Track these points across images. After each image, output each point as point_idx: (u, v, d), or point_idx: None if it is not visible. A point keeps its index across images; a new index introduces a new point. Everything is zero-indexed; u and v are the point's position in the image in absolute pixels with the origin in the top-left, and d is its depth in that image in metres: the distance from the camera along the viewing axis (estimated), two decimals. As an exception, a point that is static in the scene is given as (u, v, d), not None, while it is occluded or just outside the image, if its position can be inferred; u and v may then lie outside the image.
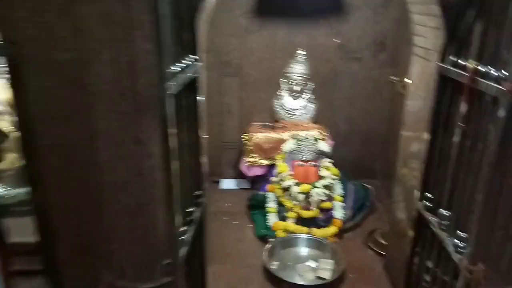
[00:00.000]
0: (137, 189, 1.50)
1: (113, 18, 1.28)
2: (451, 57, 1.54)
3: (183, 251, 1.43)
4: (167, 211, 1.32)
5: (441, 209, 1.60)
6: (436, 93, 1.64)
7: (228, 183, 3.52)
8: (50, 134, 1.32)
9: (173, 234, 1.34)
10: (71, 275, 1.59)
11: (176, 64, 1.31)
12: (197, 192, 1.73)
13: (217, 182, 3.55)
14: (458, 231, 1.46)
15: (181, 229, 1.44)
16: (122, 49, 1.31)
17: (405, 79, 2.21)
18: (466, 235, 1.43)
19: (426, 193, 1.75)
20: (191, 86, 1.59)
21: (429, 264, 1.72)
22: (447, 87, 1.58)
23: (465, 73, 1.40)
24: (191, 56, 1.50)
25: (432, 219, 1.68)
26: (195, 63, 1.55)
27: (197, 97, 1.67)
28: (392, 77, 2.28)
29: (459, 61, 1.47)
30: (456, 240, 1.46)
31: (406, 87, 2.16)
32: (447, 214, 1.57)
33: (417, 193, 1.85)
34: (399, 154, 2.25)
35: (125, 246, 1.59)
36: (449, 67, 1.55)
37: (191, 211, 1.59)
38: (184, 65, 1.37)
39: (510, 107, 1.15)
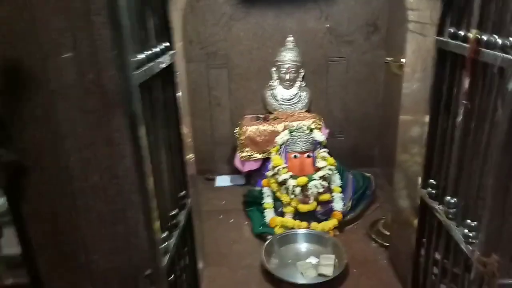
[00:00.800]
0: (113, 194, 1.38)
1: (71, 4, 1.14)
2: (450, 29, 1.40)
3: (166, 258, 1.30)
4: (145, 217, 1.19)
5: (447, 196, 1.47)
6: (435, 70, 1.51)
7: (222, 180, 3.38)
8: (15, 139, 1.20)
9: (153, 241, 1.21)
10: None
11: (145, 52, 1.17)
12: (181, 193, 1.59)
13: (212, 180, 3.42)
14: (467, 220, 1.34)
15: (163, 235, 1.31)
16: (83, 39, 1.17)
17: (401, 59, 2.07)
18: (476, 223, 1.30)
19: (430, 179, 1.62)
20: (167, 77, 1.45)
21: (437, 255, 1.59)
22: (447, 63, 1.44)
23: (466, 45, 1.26)
24: (163, 43, 1.35)
25: (438, 207, 1.55)
26: (169, 52, 1.41)
27: (175, 89, 1.53)
28: (387, 58, 2.15)
29: (459, 32, 1.33)
30: (465, 230, 1.33)
31: (402, 68, 2.02)
32: (454, 201, 1.44)
33: (419, 180, 1.72)
34: (398, 139, 2.12)
35: (105, 256, 1.47)
36: (448, 40, 1.41)
37: (175, 215, 1.45)
38: (155, 54, 1.23)
39: (520, 77, 1.01)
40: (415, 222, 1.80)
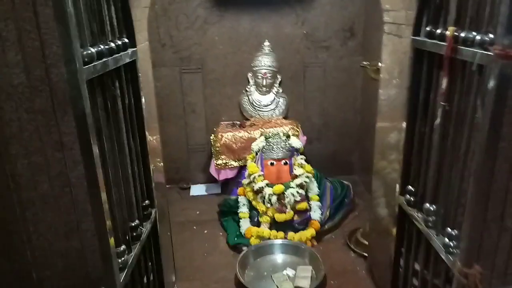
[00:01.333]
0: (65, 204, 1.25)
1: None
2: (426, 28, 1.34)
3: (123, 275, 1.17)
4: (97, 229, 1.07)
5: (426, 204, 1.40)
6: (411, 71, 1.44)
7: (197, 189, 3.26)
8: None
9: (106, 256, 1.08)
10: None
11: (98, 46, 1.06)
12: (144, 203, 1.47)
13: (187, 189, 3.29)
14: (447, 228, 1.26)
15: (120, 248, 1.19)
16: (28, 32, 1.06)
17: (378, 63, 2.01)
18: (456, 231, 1.23)
19: (408, 186, 1.55)
20: (128, 77, 1.34)
21: (417, 266, 1.52)
22: (423, 63, 1.38)
23: (443, 43, 1.20)
24: (122, 39, 1.25)
25: (416, 215, 1.47)
26: (130, 49, 1.30)
27: (138, 92, 1.42)
28: (363, 62, 2.10)
29: (436, 30, 1.27)
30: (445, 239, 1.25)
31: (379, 72, 1.97)
32: (433, 209, 1.37)
33: (397, 187, 1.65)
34: (376, 145, 2.05)
35: (59, 273, 1.33)
36: (424, 39, 1.35)
37: (136, 226, 1.33)
38: (110, 49, 1.12)
39: (500, 75, 0.95)
40: (394, 231, 1.73)
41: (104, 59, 1.07)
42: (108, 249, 1.07)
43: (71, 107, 0.97)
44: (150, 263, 1.51)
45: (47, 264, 1.31)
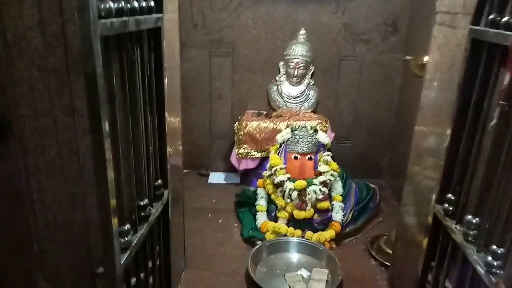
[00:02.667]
0: (72, 174, 1.17)
1: None
2: (489, 16, 1.17)
3: (125, 256, 1.08)
4: (101, 204, 0.97)
5: (467, 215, 1.24)
6: (466, 65, 1.27)
7: (216, 177, 3.16)
8: None
9: (107, 233, 0.99)
10: (10, 279, 1.29)
11: (121, 3, 0.96)
12: (157, 183, 1.38)
13: (206, 175, 3.20)
14: (491, 245, 1.10)
15: (124, 227, 1.09)
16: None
17: (423, 58, 1.84)
18: (503, 250, 1.07)
19: (447, 194, 1.38)
20: (150, 45, 1.23)
21: (448, 284, 1.36)
22: (482, 55, 1.21)
23: (510, 33, 1.03)
24: (148, 0, 1.14)
25: (454, 227, 1.31)
26: (155, 14, 1.20)
27: (160, 63, 1.32)
28: (407, 57, 1.92)
29: (501, 19, 1.10)
30: (488, 257, 1.09)
31: (424, 68, 1.79)
32: (476, 222, 1.20)
33: (433, 195, 1.49)
34: (412, 149, 1.89)
35: (60, 247, 1.26)
36: (486, 28, 1.18)
37: (145, 205, 1.24)
38: (132, 8, 1.02)
39: None
40: (424, 242, 1.57)
41: (124, 18, 0.97)
42: (109, 226, 0.98)
43: (82, 65, 0.87)
44: (157, 247, 1.42)
45: (49, 236, 1.24)
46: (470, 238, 1.21)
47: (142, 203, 1.23)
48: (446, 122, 1.50)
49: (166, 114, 1.40)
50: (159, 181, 1.38)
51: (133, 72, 1.11)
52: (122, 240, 1.09)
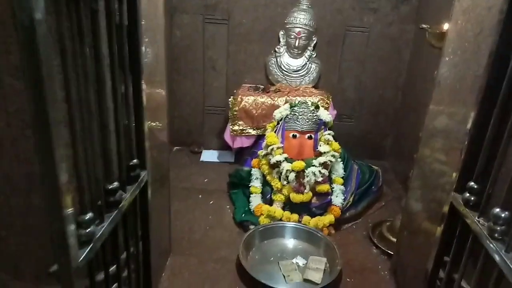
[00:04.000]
0: (26, 151, 0.97)
1: None
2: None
3: (87, 250, 0.89)
4: (48, 190, 0.78)
5: (495, 208, 1.05)
6: (502, 30, 1.06)
7: (209, 155, 2.98)
8: None
9: (59, 225, 0.80)
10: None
11: None
12: (132, 162, 1.18)
13: (198, 153, 3.01)
14: (525, 245, 0.92)
15: (85, 216, 0.90)
16: None
17: (443, 26, 1.62)
18: (538, 251, 0.89)
19: (469, 181, 1.20)
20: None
21: (465, 284, 1.19)
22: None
23: None
24: None
25: (477, 220, 1.13)
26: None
27: (137, 21, 1.10)
28: (422, 25, 1.70)
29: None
30: (521, 259, 0.91)
31: (443, 37, 1.57)
32: (505, 216, 1.02)
33: (442, 180, 1.32)
34: (425, 129, 1.69)
35: (17, 234, 1.08)
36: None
37: (115, 189, 1.04)
38: None
39: None
40: (434, 232, 1.40)
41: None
42: (59, 217, 0.79)
43: (18, 9, 0.66)
44: (134, 236, 1.24)
45: (3, 223, 1.05)
46: (496, 235, 1.03)
47: (110, 187, 1.03)
48: (470, 99, 1.31)
49: (143, 83, 1.19)
50: (135, 160, 1.19)
51: (95, 25, 0.89)
52: (83, 231, 0.90)
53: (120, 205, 1.08)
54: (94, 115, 0.91)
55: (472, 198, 1.18)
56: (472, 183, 1.19)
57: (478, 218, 1.13)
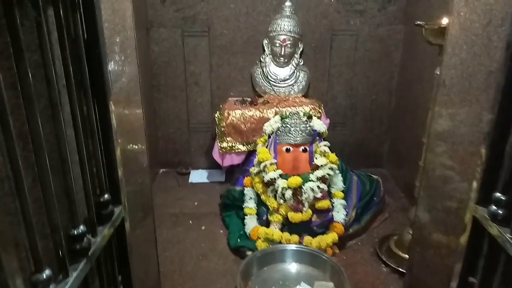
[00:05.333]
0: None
1: None
2: None
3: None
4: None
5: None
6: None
7: (198, 176, 2.80)
8: None
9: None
10: None
11: None
12: (103, 198, 1.00)
13: (186, 174, 2.83)
14: None
15: (43, 275, 0.72)
16: None
17: (442, 20, 1.49)
18: None
19: (495, 192, 1.04)
20: (76, 7, 0.85)
21: (500, 312, 1.03)
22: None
23: None
24: None
25: (509, 238, 0.97)
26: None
27: (97, 34, 0.93)
28: (417, 22, 1.58)
29: None
30: None
31: (443, 33, 1.44)
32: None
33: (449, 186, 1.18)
34: (432, 133, 1.55)
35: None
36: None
37: (80, 234, 0.86)
38: None
39: None
40: (450, 244, 1.26)
41: None
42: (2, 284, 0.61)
43: None
44: (110, 283, 1.05)
45: None
46: (536, 255, 0.88)
47: (75, 232, 0.85)
48: (483, 97, 1.17)
49: (111, 104, 1.02)
50: (106, 196, 1.01)
51: (41, 39, 0.73)
52: (40, 293, 0.72)
53: (90, 253, 0.90)
54: (44, 148, 0.74)
55: (500, 212, 1.02)
56: (499, 194, 1.03)
57: (509, 235, 0.98)
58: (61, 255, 0.80)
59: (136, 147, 1.44)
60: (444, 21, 1.48)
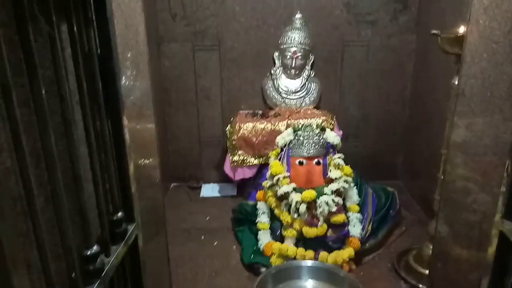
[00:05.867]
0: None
1: None
2: None
3: None
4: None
5: None
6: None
7: (209, 190, 2.77)
8: None
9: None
10: None
11: None
12: (117, 216, 0.98)
13: (197, 188, 2.80)
14: None
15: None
16: None
17: (459, 28, 1.46)
18: None
19: (524, 206, 1.00)
20: (89, 16, 0.84)
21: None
22: None
23: None
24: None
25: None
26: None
27: (111, 49, 0.92)
28: (433, 31, 1.55)
29: None
30: None
31: (460, 41, 1.41)
32: None
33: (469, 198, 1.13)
34: (452, 144, 1.51)
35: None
36: None
37: (94, 254, 0.84)
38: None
39: None
40: (472, 259, 1.20)
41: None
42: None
43: None
44: (124, 305, 1.02)
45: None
46: None
47: (88, 253, 0.83)
48: (507, 107, 1.13)
49: (124, 119, 1.00)
50: (119, 214, 0.98)
51: (55, 55, 0.71)
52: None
53: (103, 274, 0.87)
54: (58, 166, 0.72)
55: (531, 227, 0.98)
56: (528, 208, 0.99)
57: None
58: (74, 277, 0.77)
59: (149, 162, 1.42)
60: (461, 29, 1.45)
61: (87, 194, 0.82)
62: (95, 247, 0.84)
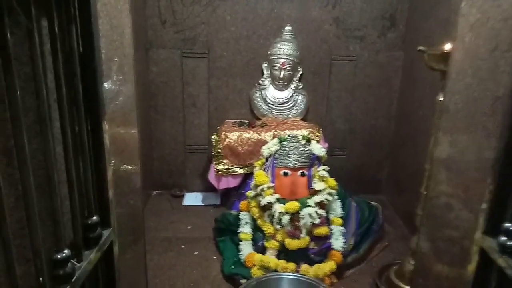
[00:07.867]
0: None
1: None
2: None
3: None
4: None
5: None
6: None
7: (192, 198, 2.73)
8: None
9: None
10: None
11: None
12: (92, 220, 0.94)
13: (180, 197, 2.76)
14: None
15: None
16: None
17: (445, 45, 1.48)
18: None
19: (504, 222, 1.00)
20: (70, 10, 0.82)
21: None
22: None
23: None
24: None
25: (521, 271, 0.92)
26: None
27: (93, 48, 0.90)
28: (420, 47, 1.57)
29: None
30: None
31: (445, 58, 1.43)
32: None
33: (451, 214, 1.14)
34: (435, 160, 1.51)
35: None
36: None
37: (64, 259, 0.80)
38: None
39: None
40: (454, 276, 1.20)
41: None
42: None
43: None
44: (95, 313, 0.98)
45: None
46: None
47: (59, 257, 0.79)
48: (490, 123, 1.14)
49: (105, 123, 0.97)
50: (94, 217, 0.95)
51: (33, 49, 0.69)
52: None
53: (74, 279, 0.83)
54: (29, 165, 0.69)
55: (510, 243, 0.97)
56: (509, 224, 0.99)
57: (522, 268, 0.92)
58: (41, 281, 0.74)
59: (130, 167, 1.39)
60: (447, 46, 1.47)
61: (60, 196, 0.79)
62: (66, 251, 0.80)
